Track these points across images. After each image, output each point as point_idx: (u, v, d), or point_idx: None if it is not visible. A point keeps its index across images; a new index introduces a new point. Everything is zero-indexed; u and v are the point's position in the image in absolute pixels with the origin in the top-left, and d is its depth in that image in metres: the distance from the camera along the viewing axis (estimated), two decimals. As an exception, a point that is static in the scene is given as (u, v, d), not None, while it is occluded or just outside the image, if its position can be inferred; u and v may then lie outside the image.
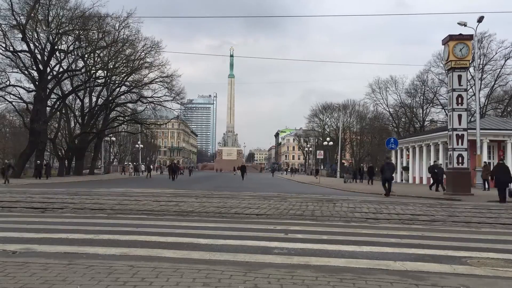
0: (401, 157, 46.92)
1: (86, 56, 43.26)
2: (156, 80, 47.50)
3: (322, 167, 63.37)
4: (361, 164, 38.37)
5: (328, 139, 67.28)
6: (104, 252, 5.24)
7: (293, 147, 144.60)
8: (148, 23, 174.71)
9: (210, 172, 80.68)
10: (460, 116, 20.82)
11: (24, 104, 41.89)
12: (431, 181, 24.62)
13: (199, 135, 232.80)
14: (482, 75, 49.78)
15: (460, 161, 20.47)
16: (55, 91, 42.19)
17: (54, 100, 43.40)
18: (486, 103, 53.61)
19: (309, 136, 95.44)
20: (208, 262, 4.82)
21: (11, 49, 36.77)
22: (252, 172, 75.30)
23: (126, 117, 53.53)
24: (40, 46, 38.40)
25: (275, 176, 60.67)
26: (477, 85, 32.91)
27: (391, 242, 6.39)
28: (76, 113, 51.30)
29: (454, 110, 20.85)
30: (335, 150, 71.58)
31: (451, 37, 21.01)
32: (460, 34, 21.48)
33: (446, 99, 33.78)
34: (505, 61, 50.39)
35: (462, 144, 20.64)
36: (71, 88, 45.73)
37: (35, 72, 38.20)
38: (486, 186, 25.09)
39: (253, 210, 10.62)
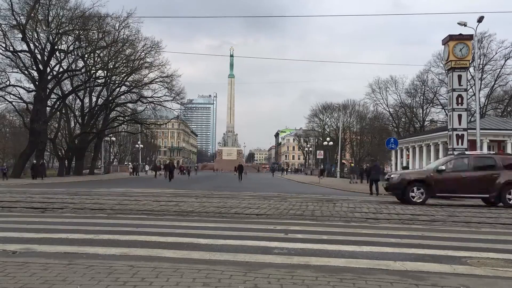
0: (401, 157, 46.94)
1: (86, 56, 43.26)
2: (156, 80, 47.52)
3: (322, 167, 63.35)
4: (367, 164, 37.89)
5: (328, 139, 67.28)
6: (104, 252, 5.24)
7: (293, 147, 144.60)
8: (148, 23, 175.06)
9: (210, 172, 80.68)
10: (460, 116, 20.85)
11: (24, 104, 41.90)
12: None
13: (199, 135, 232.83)
14: (482, 75, 49.77)
15: (460, 161, 20.44)
16: (55, 91, 42.19)
17: (54, 100, 43.40)
18: (486, 103, 53.61)
19: (309, 136, 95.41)
20: (208, 262, 4.82)
21: (11, 49, 36.80)
22: (252, 172, 75.38)
23: (126, 117, 53.52)
24: (40, 46, 38.41)
25: (275, 176, 60.64)
26: (477, 85, 32.87)
27: (391, 242, 6.39)
28: (76, 113, 51.31)
29: (454, 110, 20.87)
30: (335, 150, 71.57)
31: (451, 37, 21.03)
32: (460, 34, 21.49)
33: (446, 99, 33.79)
34: (505, 61, 50.41)
35: (462, 144, 20.67)
36: (71, 88, 45.74)
37: (35, 72, 38.21)
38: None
39: (253, 210, 10.62)
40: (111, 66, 45.42)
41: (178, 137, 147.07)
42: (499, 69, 51.34)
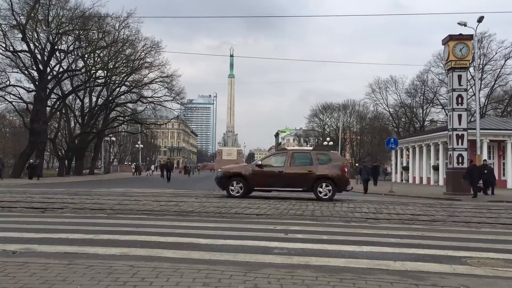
0: (401, 157, 46.92)
1: (86, 56, 43.26)
2: (156, 80, 47.53)
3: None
4: (373, 163, 37.59)
5: (328, 139, 67.26)
6: (104, 252, 5.24)
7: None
8: (148, 23, 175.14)
9: (211, 172, 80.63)
10: (460, 116, 20.85)
11: (24, 104, 41.90)
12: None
13: (199, 135, 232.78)
14: (482, 75, 49.80)
15: (460, 161, 20.50)
16: (55, 91, 42.19)
17: (54, 100, 43.40)
18: (486, 103, 53.63)
19: (309, 136, 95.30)
20: (208, 262, 4.82)
21: (11, 49, 36.80)
22: None
23: (126, 117, 53.53)
24: (40, 46, 38.41)
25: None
26: (477, 85, 32.87)
27: (391, 242, 6.39)
28: (76, 113, 51.31)
29: (454, 110, 20.87)
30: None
31: (451, 37, 21.03)
32: (460, 34, 21.49)
33: (446, 99, 33.79)
34: (505, 61, 50.46)
35: (462, 144, 20.67)
36: (71, 88, 45.74)
37: (35, 72, 38.20)
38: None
39: (253, 210, 10.62)
40: (111, 66, 45.42)
41: (178, 137, 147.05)
42: (499, 69, 51.40)
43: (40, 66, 37.27)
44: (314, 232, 7.25)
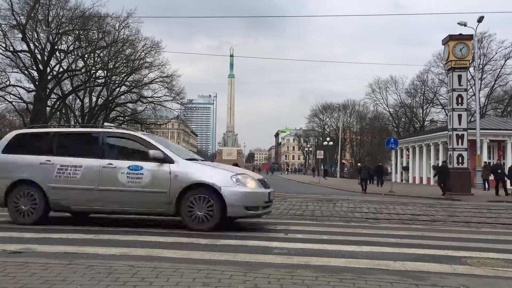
0: (401, 157, 46.95)
1: (86, 56, 43.26)
2: (156, 80, 47.50)
3: (322, 167, 63.31)
4: (377, 163, 37.50)
5: (328, 139, 67.30)
6: (104, 252, 5.24)
7: (293, 147, 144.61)
8: (148, 23, 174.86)
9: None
10: (460, 116, 20.86)
11: (24, 104, 41.90)
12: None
13: (199, 135, 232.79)
14: (482, 75, 49.83)
15: (460, 161, 20.50)
16: (55, 91, 42.20)
17: (54, 100, 43.40)
18: (486, 103, 53.66)
19: (309, 136, 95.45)
20: (208, 262, 4.82)
21: (11, 49, 36.80)
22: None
23: (126, 117, 53.48)
24: (40, 46, 38.42)
25: (274, 175, 60.64)
26: (477, 85, 32.89)
27: (391, 242, 6.39)
28: (76, 113, 51.29)
29: (454, 110, 20.88)
30: (335, 150, 71.63)
31: (451, 37, 21.04)
32: (460, 34, 21.51)
33: (446, 99, 33.79)
34: (505, 61, 50.53)
35: (462, 144, 20.67)
36: (71, 88, 45.73)
37: (35, 72, 38.21)
38: (486, 186, 25.12)
39: (253, 210, 10.60)
40: (111, 66, 45.41)
41: (178, 137, 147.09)
42: (499, 69, 51.46)
43: (40, 66, 37.28)
44: (314, 232, 7.25)
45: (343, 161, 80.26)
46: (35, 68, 37.72)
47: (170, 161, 7.16)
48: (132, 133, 8.15)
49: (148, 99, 48.66)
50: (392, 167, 50.29)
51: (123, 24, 42.17)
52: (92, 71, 45.51)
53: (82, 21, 38.27)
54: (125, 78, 47.61)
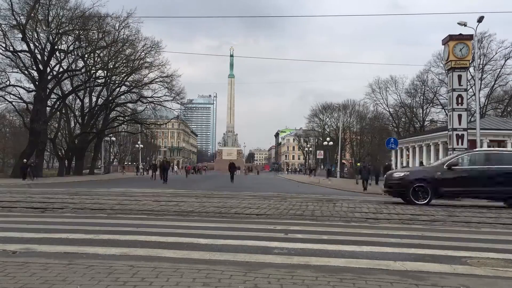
0: (401, 157, 46.94)
1: (86, 56, 43.31)
2: (156, 80, 47.60)
3: (322, 167, 63.29)
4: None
5: (328, 139, 67.32)
6: (104, 252, 5.24)
7: (293, 147, 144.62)
8: (148, 23, 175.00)
9: (211, 172, 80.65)
10: (460, 116, 20.86)
11: (24, 104, 41.95)
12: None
13: (199, 135, 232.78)
14: (482, 75, 49.85)
15: (460, 161, 20.44)
16: (55, 91, 42.24)
17: (54, 100, 43.44)
18: (486, 103, 53.68)
19: (309, 136, 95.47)
20: (208, 262, 4.82)
21: (11, 49, 36.86)
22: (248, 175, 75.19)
23: (126, 117, 53.55)
24: (40, 46, 38.46)
25: (276, 176, 60.62)
26: (477, 85, 32.86)
27: (391, 242, 6.39)
28: (76, 113, 51.35)
29: (454, 110, 20.88)
30: (335, 150, 71.60)
31: (451, 37, 21.03)
32: (460, 34, 21.51)
33: (446, 99, 33.79)
34: (505, 61, 50.57)
35: (462, 144, 20.67)
36: (71, 88, 45.79)
37: (35, 72, 38.25)
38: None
39: (253, 210, 10.62)
40: (111, 66, 45.46)
41: (178, 137, 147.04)
42: (499, 69, 51.50)
43: (40, 66, 37.30)
44: (314, 232, 7.25)
45: (343, 161, 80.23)
46: (35, 68, 37.75)
47: None
48: None
49: (148, 99, 48.73)
50: (392, 167, 50.27)
51: (123, 24, 42.28)
52: (92, 71, 45.55)
53: (82, 21, 38.31)
54: (125, 78, 47.67)
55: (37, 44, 38.23)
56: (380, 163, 53.37)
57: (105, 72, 46.18)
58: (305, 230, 7.53)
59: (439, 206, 13.42)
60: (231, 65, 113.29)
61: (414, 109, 62.47)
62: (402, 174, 14.53)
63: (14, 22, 35.31)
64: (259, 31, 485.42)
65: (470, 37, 21.96)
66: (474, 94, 31.30)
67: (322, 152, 49.35)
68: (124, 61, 45.88)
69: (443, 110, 54.07)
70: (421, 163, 34.74)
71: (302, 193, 20.13)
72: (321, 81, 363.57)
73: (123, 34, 43.34)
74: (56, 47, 38.64)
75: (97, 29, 40.41)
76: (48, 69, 39.47)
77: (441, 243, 6.41)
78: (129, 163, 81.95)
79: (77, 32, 39.24)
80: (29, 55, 37.34)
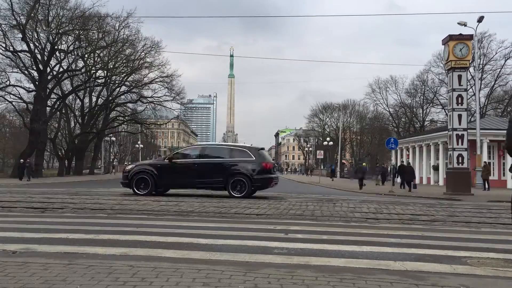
0: (401, 157, 46.90)
1: (86, 56, 43.33)
2: (156, 80, 47.63)
3: (322, 167, 63.26)
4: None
5: (328, 139, 67.34)
6: (104, 252, 5.24)
7: (293, 147, 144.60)
8: (148, 23, 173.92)
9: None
10: (460, 116, 20.84)
11: (24, 104, 41.97)
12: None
13: (199, 135, 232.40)
14: (482, 75, 49.86)
15: (460, 161, 20.49)
16: (55, 91, 42.25)
17: (54, 100, 43.45)
18: (486, 103, 53.70)
19: (309, 136, 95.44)
20: (208, 262, 4.82)
21: (11, 49, 36.89)
22: None
23: (126, 117, 53.57)
24: (40, 46, 38.47)
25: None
26: (477, 85, 32.89)
27: (391, 242, 6.39)
28: (76, 113, 51.36)
29: (454, 110, 20.86)
30: (335, 150, 71.63)
31: (451, 37, 21.02)
32: (460, 34, 21.50)
33: (446, 99, 33.80)
34: (505, 61, 50.59)
35: (462, 144, 20.65)
36: (71, 88, 45.81)
37: (35, 72, 38.27)
38: (486, 186, 25.13)
39: (253, 210, 10.62)
40: (111, 66, 45.48)
41: (178, 137, 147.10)
42: (499, 69, 51.52)
43: (40, 66, 37.31)
44: (314, 232, 7.25)
45: (343, 161, 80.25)
46: (35, 68, 37.76)
47: None
48: None
49: (148, 99, 48.76)
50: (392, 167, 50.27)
51: (123, 24, 42.32)
52: (92, 71, 45.58)
53: (82, 21, 38.34)
54: (125, 78, 47.70)
55: (37, 44, 38.27)
56: (380, 163, 53.33)
57: (105, 72, 46.21)
58: (305, 230, 7.53)
59: (439, 206, 13.42)
60: (231, 65, 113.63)
61: (414, 109, 62.47)
62: (130, 167, 16.08)
63: (14, 22, 35.35)
64: (258, 32, 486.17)
65: (470, 37, 21.96)
66: (474, 94, 31.34)
67: (322, 152, 49.28)
68: (124, 61, 45.91)
69: (443, 110, 54.11)
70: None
71: (302, 193, 20.13)
72: (321, 81, 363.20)
73: (123, 34, 43.44)
74: (56, 47, 38.65)
75: (97, 29, 40.45)
76: (48, 69, 39.49)
77: (441, 243, 6.41)
78: (129, 163, 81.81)
79: (77, 32, 39.26)
80: (29, 55, 37.35)
